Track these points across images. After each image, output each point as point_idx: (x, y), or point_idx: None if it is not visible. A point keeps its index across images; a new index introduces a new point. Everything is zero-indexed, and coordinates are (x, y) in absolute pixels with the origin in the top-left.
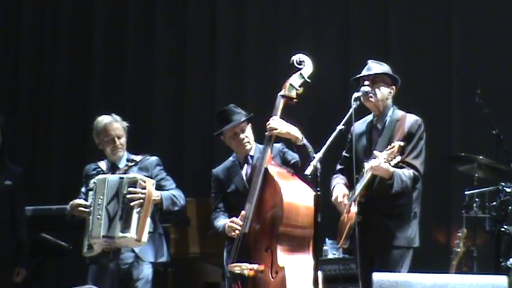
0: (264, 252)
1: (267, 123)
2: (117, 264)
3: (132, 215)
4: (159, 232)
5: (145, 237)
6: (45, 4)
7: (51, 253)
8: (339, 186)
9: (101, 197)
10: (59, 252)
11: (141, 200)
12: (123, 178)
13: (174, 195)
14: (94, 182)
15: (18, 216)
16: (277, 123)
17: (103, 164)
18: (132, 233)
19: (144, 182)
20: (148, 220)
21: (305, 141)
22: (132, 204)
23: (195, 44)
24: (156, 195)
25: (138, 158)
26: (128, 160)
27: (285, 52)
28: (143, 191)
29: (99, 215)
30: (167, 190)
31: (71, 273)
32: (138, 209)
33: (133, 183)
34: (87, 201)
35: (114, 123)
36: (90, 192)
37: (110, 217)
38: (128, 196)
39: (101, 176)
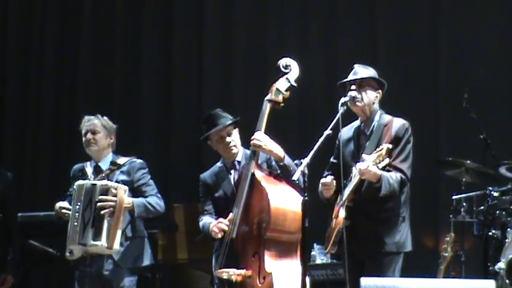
0: (252, 257)
1: (251, 138)
2: (99, 270)
3: (103, 223)
4: (141, 236)
5: (116, 244)
6: (32, 6)
7: (38, 260)
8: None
9: (78, 204)
10: (47, 259)
11: (112, 208)
12: (95, 185)
13: (149, 203)
14: (73, 188)
15: (9, 222)
16: (261, 140)
17: (88, 166)
18: (102, 241)
19: (116, 189)
20: (120, 227)
21: (287, 160)
22: (102, 212)
23: (182, 48)
24: (128, 202)
25: (122, 160)
26: (111, 163)
27: (272, 56)
28: (114, 198)
29: (76, 221)
30: (145, 197)
31: (59, 280)
32: (108, 217)
33: (105, 190)
34: (70, 203)
35: (93, 120)
36: (71, 198)
37: (84, 224)
38: (99, 204)
39: (80, 182)
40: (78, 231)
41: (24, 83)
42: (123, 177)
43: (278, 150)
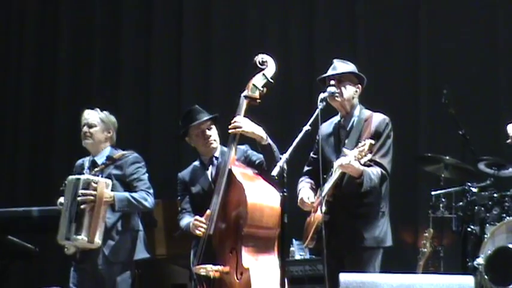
0: (229, 253)
1: (231, 122)
2: (92, 266)
3: (83, 217)
4: (134, 230)
5: (98, 238)
6: (11, 5)
7: (17, 256)
8: (304, 190)
9: (67, 199)
10: (26, 255)
11: (92, 203)
12: (79, 179)
13: (133, 197)
14: (64, 183)
15: None
16: (242, 122)
17: (87, 161)
18: (83, 235)
19: (96, 183)
20: (101, 221)
21: (269, 140)
22: (82, 206)
23: (161, 46)
24: (108, 196)
25: (117, 155)
26: (108, 158)
27: (251, 52)
28: (93, 192)
29: (64, 216)
30: (136, 191)
31: (38, 276)
32: (89, 211)
33: (86, 184)
34: None
35: (91, 112)
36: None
37: (70, 219)
38: (79, 198)
39: (69, 178)
40: (66, 226)
41: (3, 81)
42: (116, 171)
43: (259, 131)
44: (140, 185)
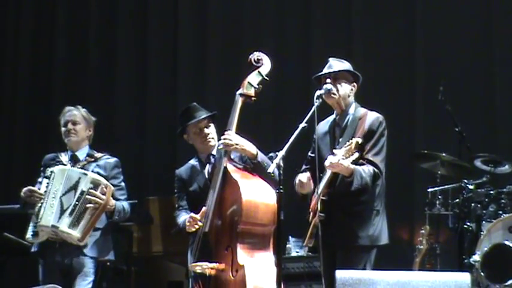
0: (225, 250)
1: (222, 138)
2: (62, 257)
3: (84, 215)
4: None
5: (87, 239)
6: (6, 4)
7: (13, 253)
8: (300, 175)
9: (58, 187)
10: (22, 252)
11: (97, 205)
12: (86, 174)
13: (124, 209)
14: (52, 171)
15: None
16: (232, 139)
17: (63, 156)
18: (77, 232)
19: (106, 187)
20: (95, 224)
21: (260, 157)
22: (87, 205)
23: (157, 44)
24: (111, 204)
25: (98, 155)
26: (88, 155)
27: (247, 51)
28: (102, 196)
29: (52, 204)
30: (116, 199)
31: (34, 273)
32: (91, 212)
33: (96, 185)
34: (39, 190)
35: (73, 110)
36: (46, 180)
37: (62, 208)
38: (87, 196)
39: (60, 166)
40: (54, 213)
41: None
42: (98, 170)
43: (250, 147)
44: (119, 194)
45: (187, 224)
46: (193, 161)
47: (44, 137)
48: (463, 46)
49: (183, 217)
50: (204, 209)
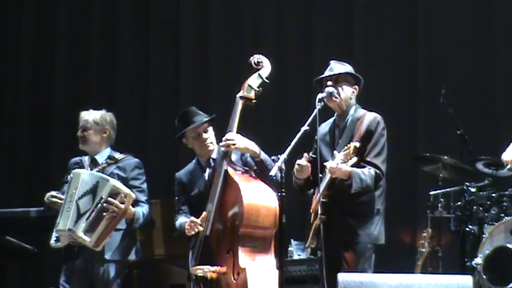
0: (226, 254)
1: (223, 139)
2: (85, 262)
3: (100, 222)
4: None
5: (101, 246)
6: (8, 3)
7: (15, 256)
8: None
9: (74, 190)
10: (24, 256)
11: (115, 214)
12: (108, 180)
13: (144, 216)
14: (70, 176)
15: None
16: (234, 139)
17: (86, 159)
18: (92, 239)
19: (125, 197)
20: (112, 231)
21: (263, 155)
22: (104, 213)
23: (158, 46)
24: (131, 212)
25: (119, 156)
26: (108, 157)
27: (249, 54)
28: (121, 206)
29: (69, 208)
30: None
31: (36, 276)
32: (108, 220)
33: (116, 194)
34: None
35: (84, 116)
36: (66, 185)
37: (79, 213)
38: (105, 204)
39: (77, 170)
40: (70, 217)
41: (1, 78)
42: (118, 172)
43: (253, 146)
44: (141, 197)
45: (187, 227)
46: (193, 164)
47: (47, 138)
48: (465, 49)
49: (181, 220)
50: (204, 213)
